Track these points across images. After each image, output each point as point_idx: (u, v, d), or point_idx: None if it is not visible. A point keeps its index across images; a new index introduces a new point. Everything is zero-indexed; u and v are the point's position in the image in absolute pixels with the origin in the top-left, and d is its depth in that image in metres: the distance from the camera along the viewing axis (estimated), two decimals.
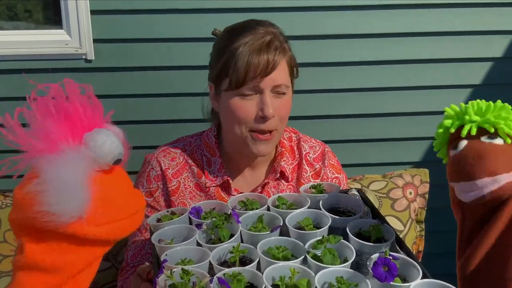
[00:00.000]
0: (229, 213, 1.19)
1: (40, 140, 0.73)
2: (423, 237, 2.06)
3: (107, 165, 0.77)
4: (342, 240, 1.06)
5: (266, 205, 1.25)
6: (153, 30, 2.29)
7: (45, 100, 0.75)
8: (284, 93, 1.39)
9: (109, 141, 0.77)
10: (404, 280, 1.00)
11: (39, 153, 0.72)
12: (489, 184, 0.82)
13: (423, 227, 2.06)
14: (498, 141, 0.85)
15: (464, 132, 0.86)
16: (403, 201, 1.99)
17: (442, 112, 2.66)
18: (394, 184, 2.02)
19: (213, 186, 1.49)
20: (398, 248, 1.11)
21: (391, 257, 0.97)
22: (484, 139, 0.85)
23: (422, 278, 0.96)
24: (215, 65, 1.41)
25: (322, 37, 2.37)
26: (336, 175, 1.58)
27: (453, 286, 0.94)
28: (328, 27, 2.36)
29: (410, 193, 2.01)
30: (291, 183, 1.54)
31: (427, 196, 2.06)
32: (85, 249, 0.77)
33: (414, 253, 1.27)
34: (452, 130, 0.90)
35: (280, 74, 1.37)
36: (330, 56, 2.40)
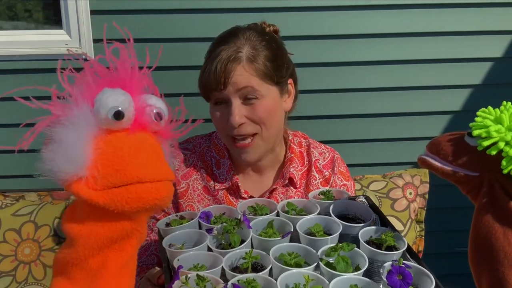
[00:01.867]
0: (239, 218, 1.19)
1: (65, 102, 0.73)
2: (423, 237, 2.07)
3: (106, 120, 0.73)
4: (355, 248, 1.06)
5: (276, 211, 1.25)
6: (152, 30, 2.28)
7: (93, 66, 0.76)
8: (255, 98, 1.35)
9: (108, 94, 0.74)
10: None
11: (60, 114, 0.73)
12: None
13: (423, 227, 2.08)
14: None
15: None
16: (403, 201, 2.00)
17: (442, 112, 2.68)
18: (394, 184, 2.03)
19: (222, 189, 1.49)
20: (408, 256, 1.11)
21: (404, 266, 0.98)
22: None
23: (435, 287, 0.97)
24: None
25: (324, 37, 2.37)
26: (345, 182, 1.58)
27: None
28: (326, 28, 2.36)
29: (410, 193, 2.02)
30: (300, 189, 1.53)
31: (427, 196, 2.07)
32: (105, 218, 0.75)
33: None
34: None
35: (239, 79, 1.33)
36: (329, 56, 2.40)
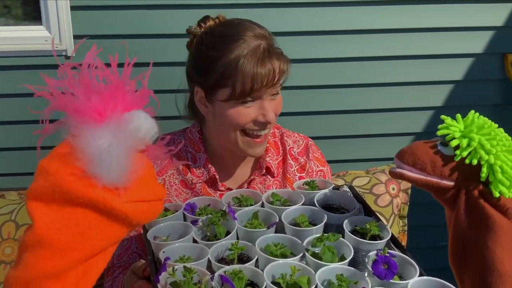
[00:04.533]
0: (224, 209, 1.18)
1: (89, 108, 0.75)
2: (406, 232, 2.09)
3: (144, 143, 0.80)
4: (340, 238, 1.07)
5: (261, 202, 1.25)
6: (133, 26, 2.27)
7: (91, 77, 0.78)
8: (277, 93, 1.40)
9: (148, 121, 0.80)
10: (401, 277, 1.01)
11: (85, 121, 0.74)
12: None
13: (406, 222, 2.09)
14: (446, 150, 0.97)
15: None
16: (386, 196, 2.01)
17: (424, 108, 2.71)
18: (377, 180, 2.04)
19: (200, 182, 1.49)
20: (392, 245, 1.12)
21: (389, 255, 0.98)
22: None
23: (419, 276, 0.98)
24: (206, 74, 1.37)
25: (307, 34, 2.38)
26: (321, 168, 1.59)
27: (449, 284, 0.96)
28: (314, 24, 2.37)
29: (393, 189, 2.04)
30: (277, 178, 1.54)
31: (409, 191, 2.09)
32: (103, 229, 0.75)
33: None
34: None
35: (280, 83, 1.38)
36: (313, 52, 2.42)
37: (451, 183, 0.97)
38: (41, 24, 2.22)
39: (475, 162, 0.93)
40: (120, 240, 0.81)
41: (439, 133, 0.98)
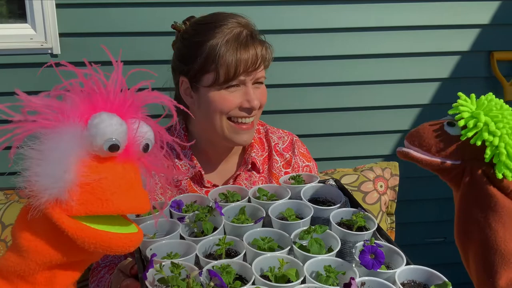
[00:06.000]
0: (211, 205, 1.18)
1: (55, 113, 0.69)
2: (394, 229, 2.10)
3: (100, 149, 0.70)
4: (327, 230, 1.07)
5: (247, 197, 1.25)
6: (119, 24, 2.25)
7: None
8: (261, 83, 1.43)
9: (107, 123, 0.70)
10: (388, 267, 1.01)
11: (47, 124, 0.69)
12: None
13: (394, 219, 2.10)
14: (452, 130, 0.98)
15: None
16: (374, 194, 2.02)
17: (411, 106, 2.71)
18: (365, 177, 2.04)
19: (185, 180, 1.48)
20: (378, 236, 1.13)
21: (376, 245, 0.98)
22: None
23: (406, 265, 0.98)
24: (191, 61, 1.39)
25: (294, 32, 2.38)
26: (307, 163, 1.60)
27: (436, 271, 0.97)
28: (301, 22, 2.37)
29: (381, 186, 2.04)
30: (263, 174, 1.55)
31: (397, 188, 2.10)
32: (64, 242, 0.71)
33: None
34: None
35: (262, 68, 1.41)
36: (299, 50, 2.41)
37: (456, 163, 0.98)
38: (26, 22, 2.20)
39: (479, 143, 0.93)
40: (83, 260, 0.76)
41: (450, 112, 1.00)
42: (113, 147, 0.71)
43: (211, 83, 1.36)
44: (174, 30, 1.50)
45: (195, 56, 1.38)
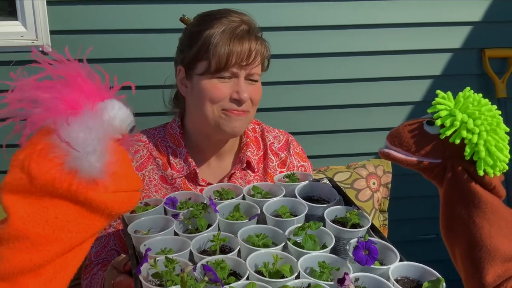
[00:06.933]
0: (205, 202, 1.18)
1: (62, 101, 0.74)
2: (387, 226, 2.10)
3: (121, 132, 0.79)
4: (322, 227, 1.07)
5: (242, 195, 1.25)
6: (111, 21, 2.24)
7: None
8: (256, 81, 1.43)
9: (123, 109, 0.79)
10: (382, 263, 1.02)
11: (60, 113, 0.73)
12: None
13: (386, 216, 2.10)
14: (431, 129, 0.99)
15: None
16: (367, 191, 2.02)
17: (403, 103, 2.72)
18: (358, 175, 2.05)
19: (180, 177, 1.48)
20: (372, 233, 1.13)
21: (369, 241, 0.99)
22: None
23: (399, 261, 0.98)
24: (188, 49, 1.41)
25: (288, 29, 2.39)
26: (302, 163, 1.60)
27: (429, 268, 0.97)
28: (293, 19, 2.37)
29: (374, 183, 2.05)
30: (258, 173, 1.54)
31: (389, 186, 2.10)
32: (82, 221, 0.75)
33: None
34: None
35: (256, 64, 1.41)
36: (294, 47, 2.42)
37: (437, 161, 0.98)
38: (16, 19, 2.19)
39: (457, 141, 0.93)
40: (98, 231, 0.80)
41: (429, 110, 1.00)
42: (133, 129, 0.82)
43: (203, 71, 1.38)
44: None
45: (192, 45, 1.39)
